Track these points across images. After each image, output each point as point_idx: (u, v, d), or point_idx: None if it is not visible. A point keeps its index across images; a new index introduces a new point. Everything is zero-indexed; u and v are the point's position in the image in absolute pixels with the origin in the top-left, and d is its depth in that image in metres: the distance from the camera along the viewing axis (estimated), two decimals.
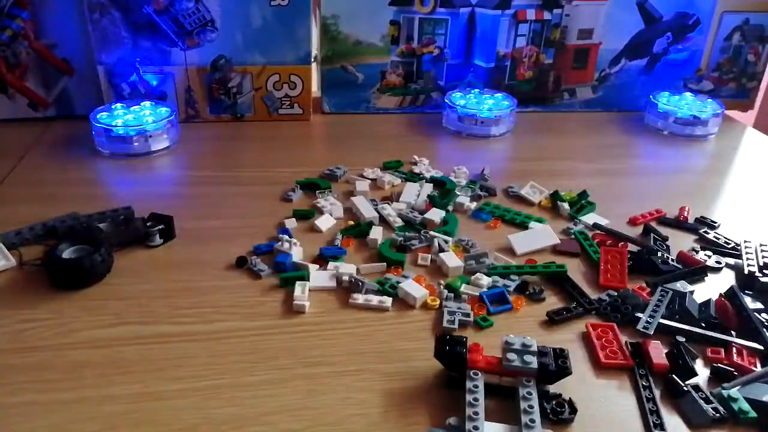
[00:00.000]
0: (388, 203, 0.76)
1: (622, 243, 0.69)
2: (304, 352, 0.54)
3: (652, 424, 0.47)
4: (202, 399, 0.48)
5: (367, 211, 0.74)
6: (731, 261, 0.67)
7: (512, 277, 0.63)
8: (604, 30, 1.03)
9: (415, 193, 0.78)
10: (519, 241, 0.69)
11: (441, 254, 0.66)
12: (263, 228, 0.71)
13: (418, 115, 1.06)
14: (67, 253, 0.61)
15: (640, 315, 0.58)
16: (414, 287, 0.60)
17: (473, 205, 0.76)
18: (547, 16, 1.01)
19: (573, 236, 0.71)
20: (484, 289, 0.61)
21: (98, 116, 0.88)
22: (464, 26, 1.02)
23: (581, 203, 0.76)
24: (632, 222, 0.75)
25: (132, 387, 0.49)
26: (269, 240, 0.68)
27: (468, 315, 0.58)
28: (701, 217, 0.76)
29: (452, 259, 0.65)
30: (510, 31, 1.02)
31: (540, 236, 0.70)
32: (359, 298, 0.59)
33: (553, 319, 0.58)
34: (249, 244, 0.68)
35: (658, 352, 0.53)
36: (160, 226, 0.67)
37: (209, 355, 0.53)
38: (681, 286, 0.61)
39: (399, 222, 0.73)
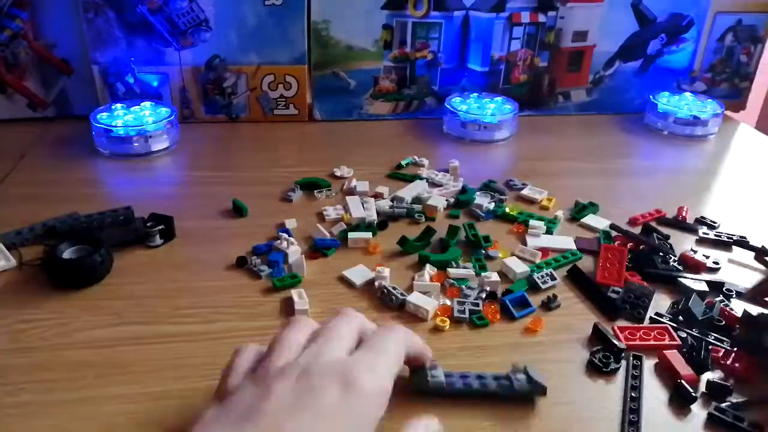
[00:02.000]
0: (374, 199, 0.76)
1: (631, 243, 0.69)
2: None
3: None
4: (203, 399, 0.48)
5: (356, 212, 0.74)
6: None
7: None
8: (598, 32, 1.04)
9: (416, 190, 0.79)
10: (536, 241, 0.71)
11: (505, 260, 0.66)
12: (263, 228, 0.71)
13: (415, 120, 1.05)
14: (67, 254, 0.61)
15: (642, 313, 0.58)
16: (422, 299, 0.59)
17: (491, 206, 0.77)
18: (541, 18, 1.02)
19: (598, 235, 0.72)
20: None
21: (98, 116, 0.88)
22: (458, 30, 1.01)
23: (583, 205, 0.77)
24: (632, 222, 0.75)
25: (132, 387, 0.49)
26: (269, 240, 0.68)
27: (477, 306, 0.59)
28: (701, 217, 0.77)
29: (518, 265, 0.65)
30: (504, 35, 1.02)
31: (559, 241, 0.71)
32: None
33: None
34: (249, 244, 0.67)
35: (679, 361, 0.52)
36: (160, 227, 0.67)
37: (209, 355, 0.53)
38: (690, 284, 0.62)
39: (372, 217, 0.73)
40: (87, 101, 0.95)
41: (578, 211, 0.76)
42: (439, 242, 0.69)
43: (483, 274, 0.63)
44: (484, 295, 0.61)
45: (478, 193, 0.79)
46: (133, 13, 0.91)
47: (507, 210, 0.76)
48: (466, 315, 0.58)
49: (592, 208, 0.77)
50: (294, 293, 0.60)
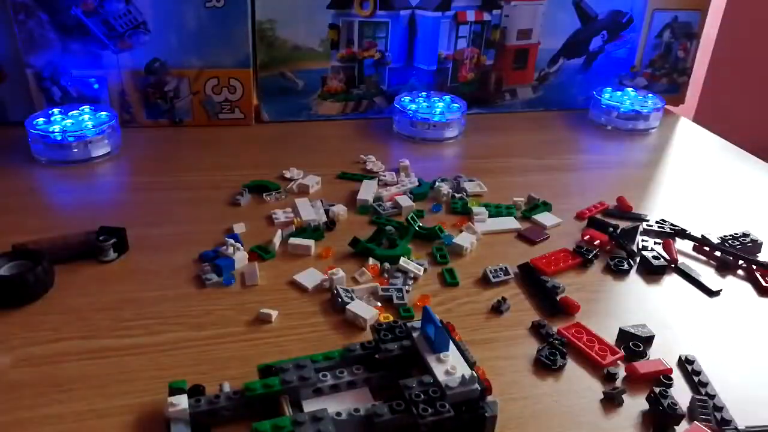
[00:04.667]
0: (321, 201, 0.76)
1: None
2: (257, 360, 0.52)
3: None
4: (150, 414, 0.46)
5: (307, 214, 0.73)
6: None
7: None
8: (542, 30, 1.05)
9: (372, 191, 0.78)
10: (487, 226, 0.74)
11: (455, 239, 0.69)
12: (211, 234, 0.69)
13: (366, 120, 1.04)
14: (4, 270, 0.58)
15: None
16: (362, 307, 0.58)
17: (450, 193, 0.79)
18: (486, 17, 1.02)
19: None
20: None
21: (34, 122, 0.85)
22: (405, 29, 1.01)
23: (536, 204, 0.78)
24: (579, 217, 0.76)
25: (74, 405, 0.47)
26: (216, 246, 0.66)
27: (401, 294, 0.60)
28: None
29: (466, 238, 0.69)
30: (450, 33, 1.02)
31: (505, 222, 0.75)
32: None
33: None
34: (196, 251, 0.66)
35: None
36: (113, 240, 0.64)
37: (156, 368, 0.51)
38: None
39: (322, 219, 0.72)
40: (22, 106, 0.91)
41: (530, 209, 0.77)
42: (389, 241, 0.69)
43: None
44: (411, 282, 0.62)
45: (439, 183, 0.80)
46: (68, 15, 0.88)
47: (468, 204, 0.76)
48: (392, 295, 0.59)
49: (544, 206, 0.78)
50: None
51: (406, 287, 0.61)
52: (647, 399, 0.50)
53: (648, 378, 0.52)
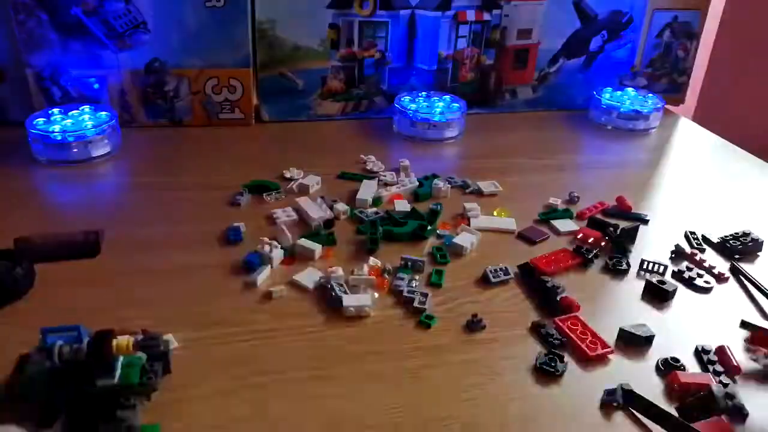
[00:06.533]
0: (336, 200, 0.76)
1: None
2: (256, 360, 0.52)
3: None
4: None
5: (315, 212, 0.73)
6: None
7: None
8: (542, 30, 1.05)
9: (371, 191, 0.78)
10: (480, 222, 0.74)
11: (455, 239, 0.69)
12: (212, 233, 0.69)
13: (366, 120, 1.04)
14: None
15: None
16: (356, 297, 0.59)
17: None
18: (486, 16, 1.02)
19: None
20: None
21: (34, 122, 0.84)
22: (405, 29, 1.01)
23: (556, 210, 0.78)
24: (579, 217, 0.76)
25: None
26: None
27: (423, 300, 0.60)
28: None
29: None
30: (450, 33, 1.02)
31: (501, 222, 0.74)
32: None
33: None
34: (197, 250, 0.66)
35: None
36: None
37: None
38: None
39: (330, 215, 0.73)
40: (22, 106, 0.91)
41: (547, 213, 0.76)
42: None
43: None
44: (415, 284, 0.62)
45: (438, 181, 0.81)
46: (68, 15, 0.88)
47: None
48: (414, 296, 0.60)
49: (564, 213, 0.77)
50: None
51: (414, 282, 0.62)
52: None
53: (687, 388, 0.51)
